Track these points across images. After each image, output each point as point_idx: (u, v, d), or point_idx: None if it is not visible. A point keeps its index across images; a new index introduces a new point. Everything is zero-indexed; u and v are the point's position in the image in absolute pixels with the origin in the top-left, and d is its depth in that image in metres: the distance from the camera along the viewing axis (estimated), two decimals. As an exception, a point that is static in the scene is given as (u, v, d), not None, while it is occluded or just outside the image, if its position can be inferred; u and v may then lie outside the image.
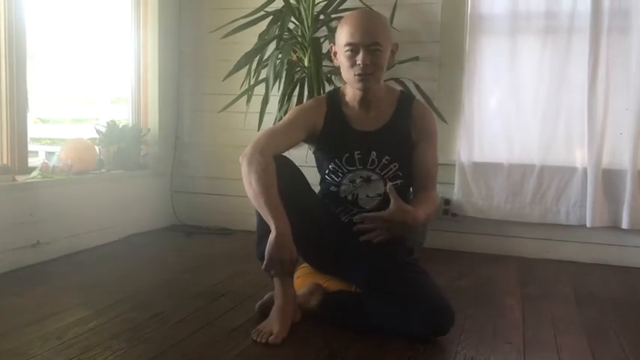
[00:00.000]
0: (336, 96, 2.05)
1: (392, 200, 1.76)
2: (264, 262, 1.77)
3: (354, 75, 1.90)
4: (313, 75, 2.84)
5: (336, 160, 2.00)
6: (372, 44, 1.86)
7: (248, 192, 1.82)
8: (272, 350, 1.73)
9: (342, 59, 1.92)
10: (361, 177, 2.00)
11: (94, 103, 3.74)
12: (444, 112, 3.03)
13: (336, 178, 2.02)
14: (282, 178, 1.82)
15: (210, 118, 3.59)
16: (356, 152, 1.98)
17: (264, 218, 1.79)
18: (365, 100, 1.98)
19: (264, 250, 1.76)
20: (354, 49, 1.87)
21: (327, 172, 2.04)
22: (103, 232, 3.09)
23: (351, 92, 2.00)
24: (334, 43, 1.99)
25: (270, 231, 1.76)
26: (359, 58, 1.87)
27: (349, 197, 2.02)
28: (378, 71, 1.91)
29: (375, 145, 1.98)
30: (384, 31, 1.91)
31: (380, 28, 1.91)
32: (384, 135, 1.99)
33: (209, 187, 3.66)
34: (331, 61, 2.08)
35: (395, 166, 1.99)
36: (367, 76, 1.89)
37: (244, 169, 1.82)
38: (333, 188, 2.04)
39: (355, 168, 2.00)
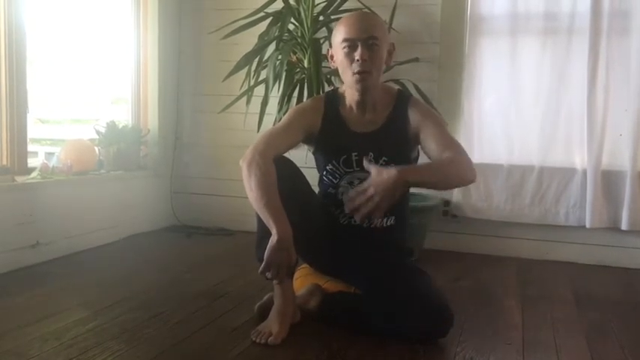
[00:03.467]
0: (334, 97, 2.05)
1: (371, 171, 1.70)
2: (262, 265, 1.76)
3: (353, 73, 1.89)
4: (313, 76, 2.84)
5: (334, 161, 2.00)
6: (369, 38, 1.86)
7: (249, 195, 1.81)
8: (271, 351, 1.73)
9: (340, 58, 1.92)
10: (359, 179, 1.98)
11: (93, 104, 3.74)
12: (443, 113, 3.00)
13: (334, 180, 2.02)
14: (282, 179, 1.82)
15: (210, 119, 3.60)
16: (353, 154, 1.98)
17: (265, 222, 1.78)
18: (362, 102, 1.98)
19: (263, 253, 1.76)
20: (351, 44, 1.87)
21: (325, 172, 2.04)
22: (103, 233, 3.09)
23: (349, 94, 1.99)
24: (331, 46, 1.99)
25: (270, 233, 1.76)
26: (357, 54, 1.86)
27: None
28: (376, 70, 1.91)
29: (372, 146, 1.97)
30: (380, 27, 1.92)
31: (376, 24, 1.92)
32: (381, 136, 1.98)
33: (209, 188, 3.66)
34: None
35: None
36: (366, 74, 1.88)
37: (245, 173, 1.82)
38: (331, 190, 2.04)
39: (352, 170, 1.99)
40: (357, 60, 1.87)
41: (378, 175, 1.69)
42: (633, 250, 2.99)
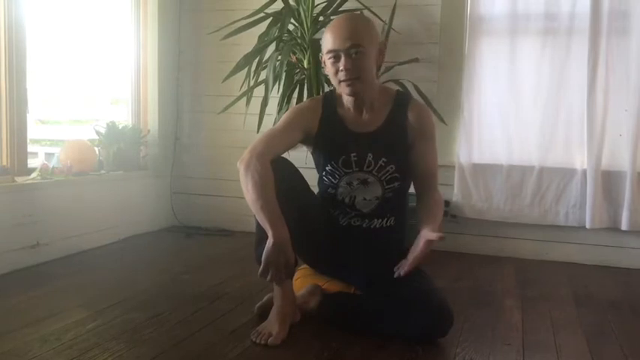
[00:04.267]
0: (332, 97, 2.04)
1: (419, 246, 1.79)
2: (260, 268, 1.76)
3: (340, 81, 1.90)
4: (313, 76, 2.84)
5: (333, 162, 2.00)
6: (351, 47, 1.85)
7: (246, 197, 1.81)
8: (271, 351, 1.73)
9: (327, 66, 1.93)
10: (358, 179, 1.99)
11: (93, 104, 3.74)
12: (443, 113, 3.03)
13: (333, 180, 2.02)
14: (280, 179, 1.82)
15: (210, 120, 3.60)
16: (352, 154, 1.97)
17: (262, 224, 1.78)
18: (358, 103, 1.97)
19: (262, 254, 1.76)
20: (335, 55, 1.88)
21: (324, 173, 2.04)
22: (103, 233, 3.09)
23: (345, 96, 1.99)
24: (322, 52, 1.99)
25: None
26: (340, 64, 1.87)
27: (347, 200, 2.02)
28: (365, 74, 1.90)
29: (371, 147, 1.97)
30: (365, 33, 1.89)
31: (360, 30, 1.89)
32: (379, 136, 1.97)
33: (208, 188, 3.66)
34: None
35: (392, 168, 1.98)
36: (352, 80, 1.89)
37: (242, 175, 1.82)
38: (330, 190, 2.03)
39: (352, 170, 1.99)
40: (341, 69, 1.87)
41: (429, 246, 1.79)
42: (633, 250, 2.99)
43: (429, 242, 1.76)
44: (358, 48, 1.86)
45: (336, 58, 1.88)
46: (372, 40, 1.91)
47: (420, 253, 1.78)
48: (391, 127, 1.99)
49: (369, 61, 1.91)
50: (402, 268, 1.82)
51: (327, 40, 1.90)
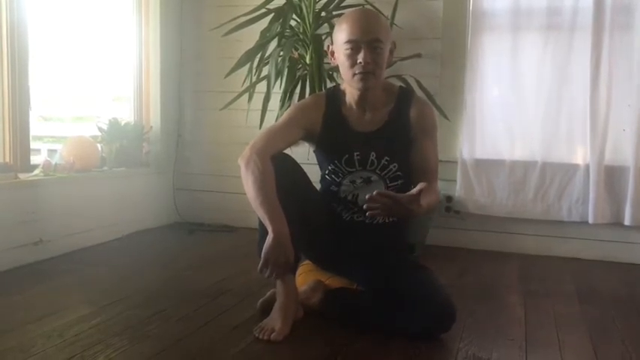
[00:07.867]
0: (336, 95, 2.03)
1: (415, 193, 1.69)
2: (260, 264, 1.76)
3: (354, 74, 1.87)
4: (315, 72, 2.84)
5: (336, 161, 1.99)
6: (373, 40, 1.84)
7: (247, 194, 1.82)
8: (274, 347, 1.73)
9: (341, 58, 1.89)
10: (361, 178, 1.99)
11: (95, 101, 3.74)
12: (446, 109, 3.02)
13: (336, 179, 2.01)
14: (281, 175, 1.81)
15: (212, 116, 3.59)
16: (355, 153, 1.96)
17: (262, 220, 1.78)
18: (363, 101, 1.96)
19: None
20: (354, 46, 1.84)
21: (327, 172, 2.04)
22: (105, 230, 3.10)
23: (350, 91, 1.97)
24: (332, 43, 1.97)
25: None
26: (360, 57, 1.84)
27: (349, 197, 2.01)
28: (379, 70, 1.89)
29: (374, 146, 1.96)
30: (384, 29, 1.90)
31: (380, 25, 1.90)
32: (382, 135, 1.97)
33: (211, 185, 3.66)
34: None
35: (395, 167, 1.97)
36: (368, 74, 1.86)
37: (242, 172, 1.82)
38: (333, 188, 2.03)
39: (355, 169, 1.98)
40: (360, 62, 1.84)
41: (411, 201, 1.68)
42: (636, 245, 2.98)
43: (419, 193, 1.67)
44: (379, 43, 1.85)
45: (355, 50, 1.84)
46: (388, 38, 1.90)
47: (407, 195, 1.67)
48: (394, 125, 1.98)
49: (385, 59, 1.90)
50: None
51: (346, 30, 1.85)
